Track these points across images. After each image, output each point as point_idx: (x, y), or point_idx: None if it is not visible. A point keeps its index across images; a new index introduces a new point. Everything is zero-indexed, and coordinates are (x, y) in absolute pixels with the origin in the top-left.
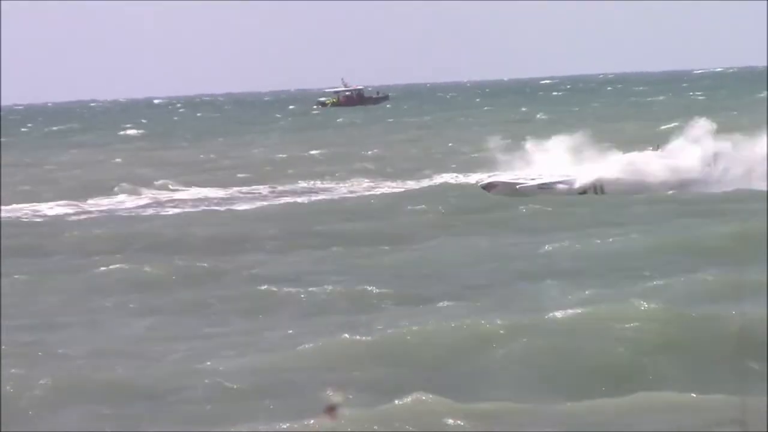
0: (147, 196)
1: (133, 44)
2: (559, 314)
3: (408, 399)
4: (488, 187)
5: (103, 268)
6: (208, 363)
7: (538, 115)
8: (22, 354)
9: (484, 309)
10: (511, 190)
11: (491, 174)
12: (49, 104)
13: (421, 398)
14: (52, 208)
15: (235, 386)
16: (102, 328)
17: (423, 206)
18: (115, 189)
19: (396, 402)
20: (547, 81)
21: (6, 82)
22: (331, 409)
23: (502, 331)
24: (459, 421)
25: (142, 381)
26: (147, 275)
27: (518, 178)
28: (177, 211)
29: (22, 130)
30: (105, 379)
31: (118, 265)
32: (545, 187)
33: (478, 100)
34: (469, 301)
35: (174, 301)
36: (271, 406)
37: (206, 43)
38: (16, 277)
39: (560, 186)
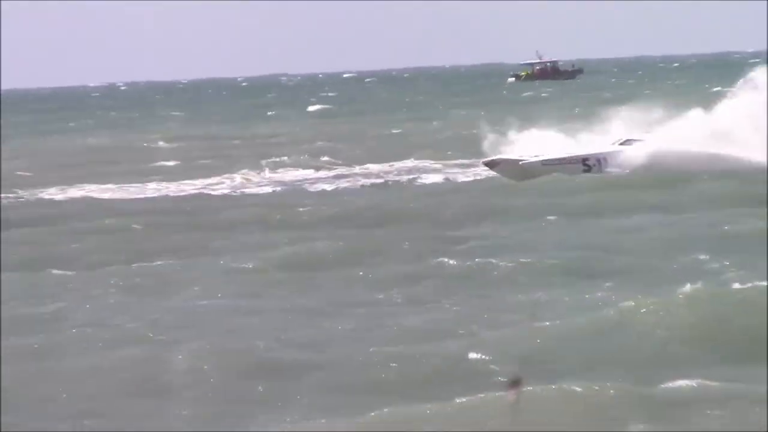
0: (332, 169)
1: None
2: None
3: (587, 381)
4: (491, 164)
5: (279, 242)
6: (379, 343)
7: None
8: (184, 326)
9: (658, 288)
10: (514, 166)
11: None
12: (238, 78)
13: (606, 383)
14: (233, 181)
15: (405, 366)
16: (271, 304)
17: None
18: (296, 161)
19: (567, 386)
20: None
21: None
22: (514, 384)
23: (680, 311)
24: (639, 410)
25: (315, 358)
26: (329, 249)
27: (522, 156)
28: (362, 183)
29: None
30: (263, 357)
31: (293, 240)
32: (549, 164)
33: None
34: (643, 282)
35: (347, 277)
36: (439, 389)
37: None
38: (185, 253)
39: (569, 162)
